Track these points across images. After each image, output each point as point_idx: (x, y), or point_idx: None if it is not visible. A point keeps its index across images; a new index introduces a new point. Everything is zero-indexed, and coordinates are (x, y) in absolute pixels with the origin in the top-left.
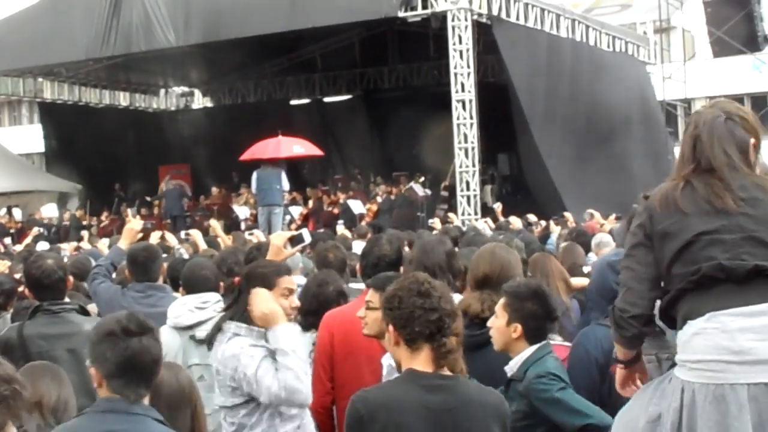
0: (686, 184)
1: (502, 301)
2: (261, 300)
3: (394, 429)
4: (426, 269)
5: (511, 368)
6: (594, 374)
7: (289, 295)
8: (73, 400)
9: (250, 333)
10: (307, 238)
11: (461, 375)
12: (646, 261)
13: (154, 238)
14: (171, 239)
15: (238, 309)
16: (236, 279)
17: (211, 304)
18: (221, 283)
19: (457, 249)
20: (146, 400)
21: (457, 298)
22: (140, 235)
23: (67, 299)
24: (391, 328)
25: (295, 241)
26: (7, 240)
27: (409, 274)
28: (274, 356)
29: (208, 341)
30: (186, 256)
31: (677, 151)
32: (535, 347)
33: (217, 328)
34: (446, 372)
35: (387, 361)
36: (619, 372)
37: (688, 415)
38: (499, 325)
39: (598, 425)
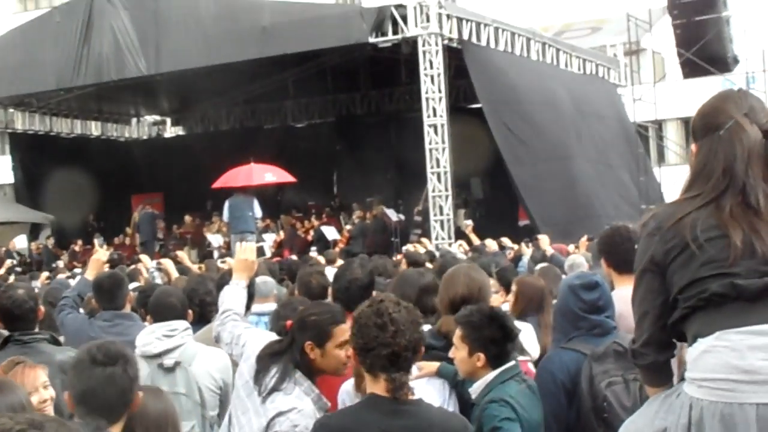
0: (715, 209)
1: (458, 332)
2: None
3: None
4: None
5: (474, 391)
6: (561, 399)
7: (345, 345)
8: None
9: (318, 400)
10: (268, 252)
11: (423, 400)
12: (652, 287)
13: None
14: (146, 261)
15: (300, 360)
16: (288, 323)
17: (180, 331)
18: (189, 311)
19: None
20: (116, 429)
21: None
22: (107, 265)
23: (37, 329)
24: (351, 351)
25: (258, 254)
26: None
27: (379, 296)
28: None
29: (268, 383)
30: (159, 280)
31: (653, 168)
32: (498, 371)
33: (284, 373)
34: (409, 397)
35: (342, 396)
36: None
37: None
38: (461, 357)
39: None
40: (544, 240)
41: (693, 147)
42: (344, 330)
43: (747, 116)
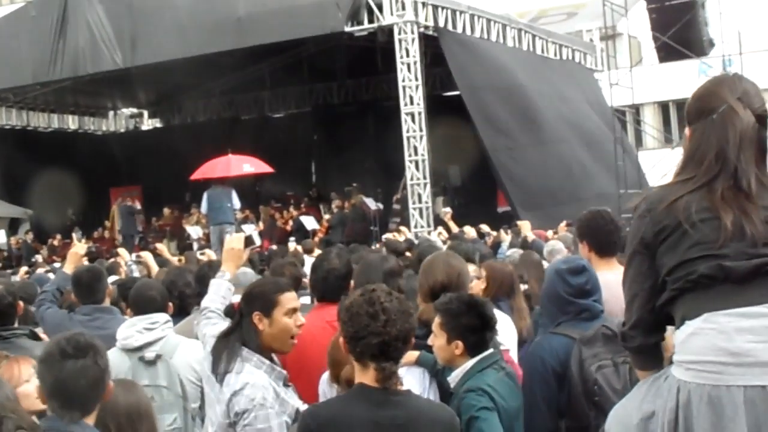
0: (707, 192)
1: (437, 320)
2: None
3: None
4: None
5: (452, 380)
6: (552, 384)
7: (293, 314)
8: None
9: (271, 371)
10: (257, 240)
11: (411, 391)
12: (641, 270)
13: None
14: (124, 254)
15: (247, 336)
16: (235, 304)
17: (160, 324)
18: (169, 304)
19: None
20: (90, 420)
21: None
22: (85, 259)
23: (16, 324)
24: (341, 339)
25: (246, 243)
26: None
27: (371, 286)
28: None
29: (221, 368)
30: (137, 273)
31: (624, 156)
32: (476, 359)
33: (231, 353)
34: (397, 387)
35: (322, 386)
36: None
37: (684, 415)
38: (440, 344)
39: None
40: (525, 225)
41: (687, 131)
42: (290, 298)
43: (740, 100)
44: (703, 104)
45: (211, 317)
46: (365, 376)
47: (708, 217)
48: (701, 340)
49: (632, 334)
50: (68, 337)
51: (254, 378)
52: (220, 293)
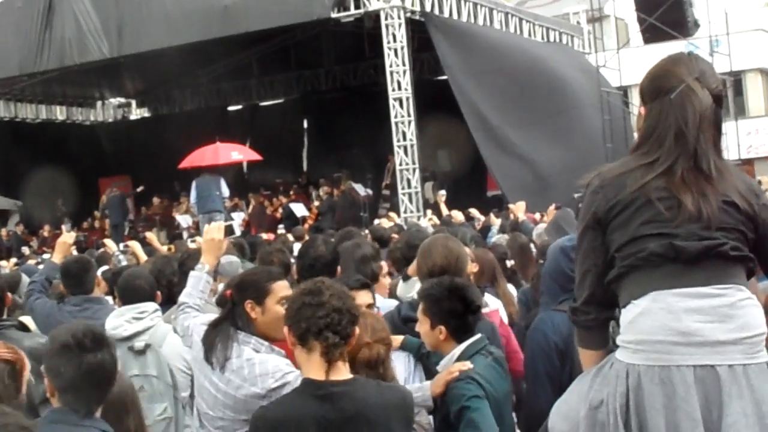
0: (667, 172)
1: (421, 305)
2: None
3: None
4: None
5: (441, 368)
6: (554, 360)
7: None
8: None
9: (271, 351)
10: (237, 231)
11: (359, 377)
12: (594, 245)
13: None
14: (111, 245)
15: (241, 322)
16: (228, 292)
17: (149, 313)
18: (158, 293)
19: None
20: (98, 413)
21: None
22: (74, 248)
23: (5, 316)
24: (286, 328)
25: (226, 233)
26: None
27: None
28: None
29: (218, 355)
30: (125, 263)
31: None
32: (464, 345)
33: (226, 338)
34: (342, 376)
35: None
36: None
37: (635, 398)
38: (424, 330)
39: None
40: (520, 206)
41: (641, 109)
42: (282, 286)
43: (698, 80)
44: (661, 83)
45: (189, 312)
46: (311, 364)
47: (666, 196)
48: (650, 319)
49: (586, 309)
50: (83, 329)
51: (258, 357)
52: (199, 287)
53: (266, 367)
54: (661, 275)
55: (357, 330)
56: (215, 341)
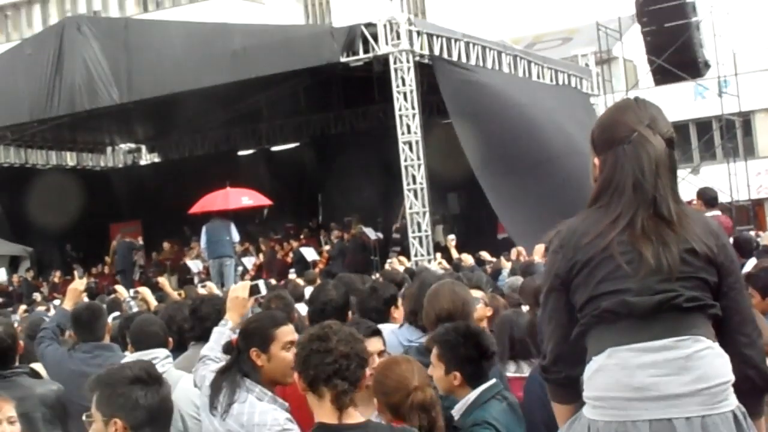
0: (628, 225)
1: (435, 351)
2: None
3: None
4: None
5: (456, 412)
6: (550, 409)
7: (291, 346)
8: None
9: (274, 402)
10: (263, 290)
11: (371, 421)
12: (558, 306)
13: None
14: (122, 291)
15: (247, 369)
16: (234, 339)
17: (161, 359)
18: (169, 339)
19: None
20: None
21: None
22: (84, 295)
23: (17, 363)
24: (296, 374)
25: (251, 292)
26: None
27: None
28: None
29: (223, 400)
30: (136, 309)
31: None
32: (479, 391)
33: (232, 384)
34: (356, 419)
35: None
36: None
37: None
38: (438, 375)
39: None
40: (538, 249)
41: (595, 160)
42: (286, 332)
43: (650, 127)
44: (612, 133)
45: (209, 364)
46: (322, 410)
47: (628, 250)
48: (605, 376)
49: (556, 369)
50: (141, 365)
51: (260, 406)
52: (221, 342)
53: (265, 418)
54: (618, 331)
55: (367, 373)
56: (221, 387)
